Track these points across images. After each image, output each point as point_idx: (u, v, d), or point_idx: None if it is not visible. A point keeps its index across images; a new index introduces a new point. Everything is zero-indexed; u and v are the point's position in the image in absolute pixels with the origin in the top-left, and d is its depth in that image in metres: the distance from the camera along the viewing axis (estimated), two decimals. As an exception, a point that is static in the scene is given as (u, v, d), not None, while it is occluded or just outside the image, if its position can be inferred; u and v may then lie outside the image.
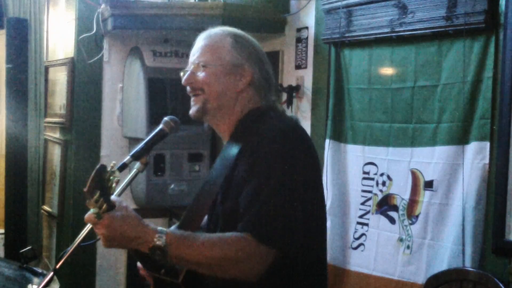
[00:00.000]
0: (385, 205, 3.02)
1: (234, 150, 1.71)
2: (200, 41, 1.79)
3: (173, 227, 1.71)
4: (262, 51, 1.83)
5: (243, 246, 1.53)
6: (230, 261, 1.54)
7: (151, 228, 1.54)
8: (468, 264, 2.57)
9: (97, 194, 1.44)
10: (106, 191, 1.47)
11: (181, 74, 1.80)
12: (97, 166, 1.45)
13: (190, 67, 1.78)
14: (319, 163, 1.74)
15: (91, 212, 1.48)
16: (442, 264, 2.68)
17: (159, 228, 1.55)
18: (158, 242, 1.51)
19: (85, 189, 1.43)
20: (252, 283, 1.58)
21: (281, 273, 1.62)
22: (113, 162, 1.54)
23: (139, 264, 1.81)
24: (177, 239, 1.53)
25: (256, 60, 1.79)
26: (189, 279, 1.62)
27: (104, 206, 1.47)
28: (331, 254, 3.22)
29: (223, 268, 1.55)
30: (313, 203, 1.67)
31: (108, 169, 1.49)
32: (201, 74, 1.74)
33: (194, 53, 1.78)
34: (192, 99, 1.78)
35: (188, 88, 1.78)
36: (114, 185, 1.50)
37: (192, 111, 1.78)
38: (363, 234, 3.12)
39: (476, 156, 2.59)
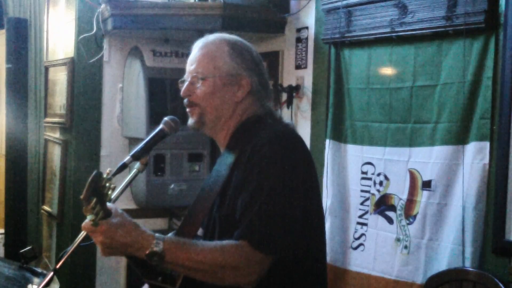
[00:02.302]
0: (383, 205, 3.02)
1: (231, 157, 1.71)
2: (197, 50, 1.78)
3: (170, 234, 1.72)
4: (259, 56, 1.81)
5: (240, 253, 1.54)
6: (227, 269, 1.54)
7: (148, 234, 1.54)
8: (468, 264, 2.57)
9: (94, 201, 1.44)
10: (102, 198, 1.47)
11: (180, 84, 1.80)
12: (93, 173, 1.45)
13: (188, 77, 1.77)
14: (315, 167, 1.74)
15: (88, 219, 1.48)
16: (442, 264, 2.68)
17: (157, 234, 1.55)
18: (155, 248, 1.51)
19: (82, 196, 1.43)
20: None
21: (279, 278, 1.62)
22: (109, 169, 1.55)
23: None
24: (174, 245, 1.54)
25: (254, 67, 1.77)
26: (186, 286, 1.62)
27: (101, 213, 1.47)
28: (332, 254, 3.22)
29: (220, 275, 1.56)
30: (310, 207, 1.66)
31: (104, 176, 1.49)
32: (199, 87, 1.74)
33: (192, 63, 1.77)
34: (188, 109, 1.78)
35: (185, 100, 1.78)
36: (110, 192, 1.50)
37: (190, 123, 1.78)
38: (362, 234, 3.13)
39: (476, 156, 2.59)
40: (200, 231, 1.80)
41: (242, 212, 1.58)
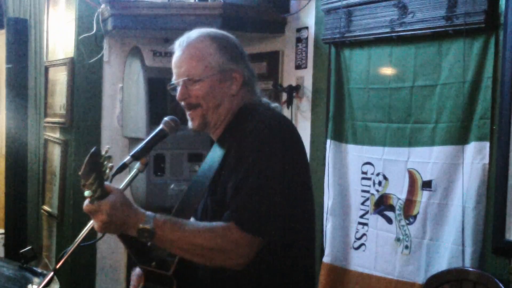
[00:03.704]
0: (382, 205, 3.02)
1: (224, 145, 1.73)
2: (182, 51, 1.76)
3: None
4: (240, 44, 1.82)
5: (227, 235, 1.56)
6: (216, 250, 1.57)
7: (140, 212, 1.57)
8: (468, 264, 2.57)
9: (92, 177, 1.47)
10: (100, 175, 1.49)
11: (169, 88, 1.80)
12: (92, 150, 1.47)
13: (179, 81, 1.76)
14: (305, 154, 1.76)
15: (86, 195, 1.50)
16: (442, 264, 2.68)
17: (148, 212, 1.57)
18: (146, 225, 1.54)
19: (80, 172, 1.46)
20: (240, 272, 1.60)
21: (268, 262, 1.63)
22: (107, 146, 1.56)
23: (132, 275, 1.83)
24: (165, 223, 1.56)
25: (241, 57, 1.78)
26: (180, 271, 1.64)
27: (99, 190, 1.49)
28: (333, 254, 3.23)
29: (209, 256, 1.58)
30: (299, 192, 1.68)
31: (103, 153, 1.51)
32: (195, 89, 1.73)
33: (180, 65, 1.76)
34: (189, 113, 1.78)
35: (183, 103, 1.77)
36: (107, 170, 1.52)
37: (194, 126, 1.78)
38: (364, 234, 3.13)
39: (476, 156, 2.59)
40: (192, 220, 1.81)
41: (231, 196, 1.61)
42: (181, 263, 1.63)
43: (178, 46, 1.78)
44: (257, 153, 1.61)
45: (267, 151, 1.62)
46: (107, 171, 1.52)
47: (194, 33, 1.79)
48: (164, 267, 1.64)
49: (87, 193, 1.49)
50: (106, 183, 1.55)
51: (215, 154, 1.74)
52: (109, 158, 1.52)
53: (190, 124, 1.80)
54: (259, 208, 1.58)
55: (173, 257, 1.63)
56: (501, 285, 2.44)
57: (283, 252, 1.66)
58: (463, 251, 2.59)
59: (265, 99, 1.84)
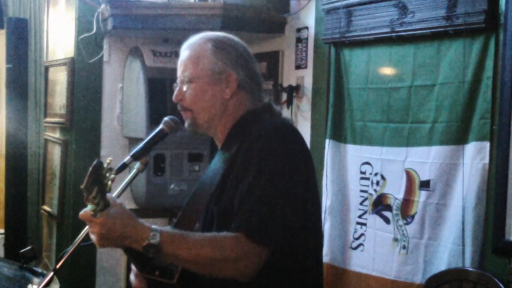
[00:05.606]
0: (380, 205, 3.02)
1: (228, 152, 1.71)
2: (183, 53, 1.78)
3: (168, 227, 1.72)
4: (247, 50, 1.80)
5: (236, 245, 1.54)
6: (223, 261, 1.54)
7: (145, 226, 1.53)
8: (468, 264, 2.57)
9: (95, 190, 1.43)
10: (103, 187, 1.46)
11: (174, 89, 1.81)
12: (94, 162, 1.43)
13: (178, 82, 1.78)
14: (312, 162, 1.74)
15: (88, 209, 1.47)
16: (442, 264, 2.68)
17: (153, 226, 1.54)
18: (152, 241, 1.50)
19: (83, 186, 1.42)
20: (247, 282, 1.58)
21: (276, 272, 1.62)
22: (110, 158, 1.54)
23: (131, 277, 1.82)
24: (171, 238, 1.53)
25: (240, 62, 1.76)
26: (184, 279, 1.61)
27: (101, 203, 1.46)
28: (331, 254, 3.22)
29: (217, 268, 1.56)
30: (306, 201, 1.67)
31: (105, 165, 1.47)
32: (187, 90, 1.74)
33: (180, 66, 1.78)
34: (182, 113, 1.79)
35: (178, 105, 1.78)
36: (109, 182, 1.49)
37: (186, 126, 1.79)
38: (362, 234, 3.13)
39: (475, 156, 2.59)
40: (197, 226, 1.80)
41: (238, 206, 1.58)
42: (185, 271, 1.60)
43: (182, 49, 1.80)
44: (265, 163, 1.59)
45: (275, 161, 1.60)
46: (109, 183, 1.48)
47: (196, 36, 1.80)
48: (168, 276, 1.61)
49: (89, 207, 1.46)
50: (107, 194, 1.51)
51: (219, 162, 1.73)
52: (110, 169, 1.48)
53: (185, 123, 1.81)
54: (268, 218, 1.55)
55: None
56: (501, 285, 2.44)
57: (291, 261, 1.64)
58: (463, 251, 2.59)
59: (277, 108, 1.82)
